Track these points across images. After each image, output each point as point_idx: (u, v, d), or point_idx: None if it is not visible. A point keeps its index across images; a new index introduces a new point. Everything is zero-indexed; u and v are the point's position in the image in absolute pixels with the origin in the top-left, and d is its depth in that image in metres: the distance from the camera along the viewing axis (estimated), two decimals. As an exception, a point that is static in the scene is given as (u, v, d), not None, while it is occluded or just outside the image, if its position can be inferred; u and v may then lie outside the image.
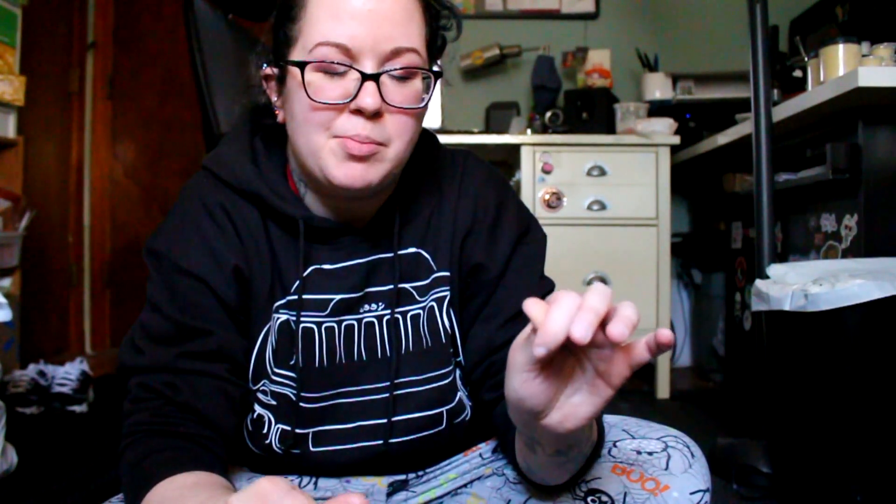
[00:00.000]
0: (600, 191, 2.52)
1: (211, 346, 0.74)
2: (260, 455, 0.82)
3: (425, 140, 0.83)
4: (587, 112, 2.77)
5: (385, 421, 0.80)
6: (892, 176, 1.66)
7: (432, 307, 0.82)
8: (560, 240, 2.50)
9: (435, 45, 0.77)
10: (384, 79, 0.71)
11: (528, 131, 2.72)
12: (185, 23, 1.35)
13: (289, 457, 0.81)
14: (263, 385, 0.80)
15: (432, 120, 2.90)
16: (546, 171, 2.53)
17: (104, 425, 2.14)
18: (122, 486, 0.72)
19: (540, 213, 2.52)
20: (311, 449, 0.80)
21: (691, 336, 3.12)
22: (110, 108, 3.26)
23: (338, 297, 0.79)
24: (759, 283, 1.57)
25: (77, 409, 2.27)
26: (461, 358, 0.84)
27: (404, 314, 0.80)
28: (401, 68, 0.71)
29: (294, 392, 0.78)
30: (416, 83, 0.73)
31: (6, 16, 2.36)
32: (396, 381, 0.80)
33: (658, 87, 2.85)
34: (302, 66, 0.70)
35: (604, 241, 2.52)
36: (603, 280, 2.51)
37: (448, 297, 0.82)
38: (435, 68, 0.77)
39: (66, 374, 2.30)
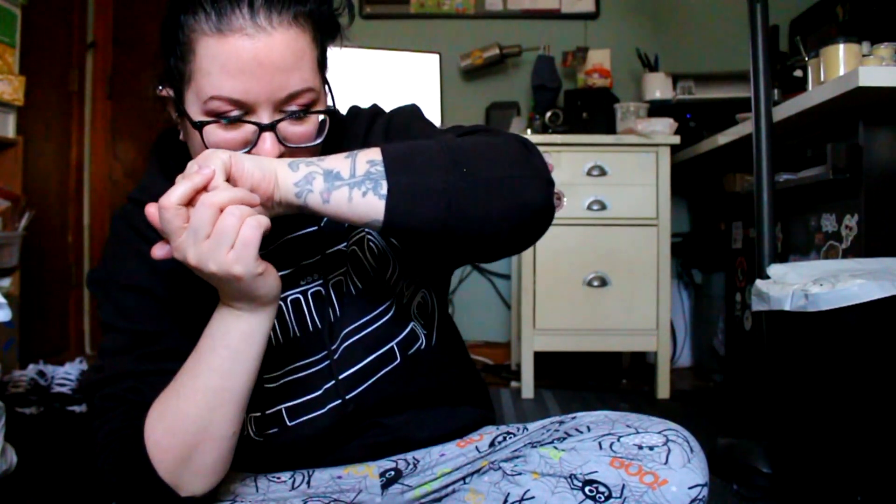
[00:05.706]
0: (600, 191, 2.52)
1: (167, 345, 0.77)
2: (239, 449, 0.82)
3: (333, 122, 0.84)
4: (587, 112, 2.76)
5: (346, 374, 0.82)
6: (893, 176, 1.65)
7: (354, 251, 0.84)
8: (560, 240, 2.50)
9: (325, 56, 0.79)
10: (281, 123, 0.73)
11: (528, 131, 2.72)
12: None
13: (269, 442, 0.82)
14: None
15: (431, 120, 2.89)
16: (546, 171, 2.52)
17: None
18: (114, 494, 0.72)
19: (540, 213, 2.51)
20: (288, 424, 0.82)
21: (691, 336, 3.12)
22: (110, 108, 3.25)
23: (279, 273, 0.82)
24: (759, 283, 1.57)
25: (77, 409, 2.27)
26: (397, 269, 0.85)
27: (346, 274, 0.83)
28: (297, 110, 0.73)
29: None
30: (313, 116, 0.75)
31: (6, 16, 2.36)
32: (344, 334, 0.82)
33: (658, 87, 2.85)
34: (199, 126, 0.72)
35: (604, 241, 2.52)
36: (603, 280, 2.51)
37: (366, 234, 0.85)
38: (327, 88, 0.79)
39: (66, 374, 2.30)
